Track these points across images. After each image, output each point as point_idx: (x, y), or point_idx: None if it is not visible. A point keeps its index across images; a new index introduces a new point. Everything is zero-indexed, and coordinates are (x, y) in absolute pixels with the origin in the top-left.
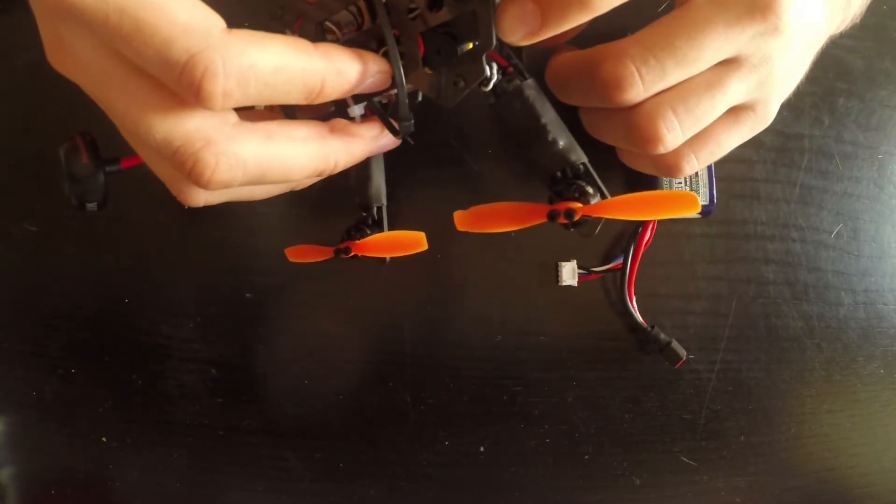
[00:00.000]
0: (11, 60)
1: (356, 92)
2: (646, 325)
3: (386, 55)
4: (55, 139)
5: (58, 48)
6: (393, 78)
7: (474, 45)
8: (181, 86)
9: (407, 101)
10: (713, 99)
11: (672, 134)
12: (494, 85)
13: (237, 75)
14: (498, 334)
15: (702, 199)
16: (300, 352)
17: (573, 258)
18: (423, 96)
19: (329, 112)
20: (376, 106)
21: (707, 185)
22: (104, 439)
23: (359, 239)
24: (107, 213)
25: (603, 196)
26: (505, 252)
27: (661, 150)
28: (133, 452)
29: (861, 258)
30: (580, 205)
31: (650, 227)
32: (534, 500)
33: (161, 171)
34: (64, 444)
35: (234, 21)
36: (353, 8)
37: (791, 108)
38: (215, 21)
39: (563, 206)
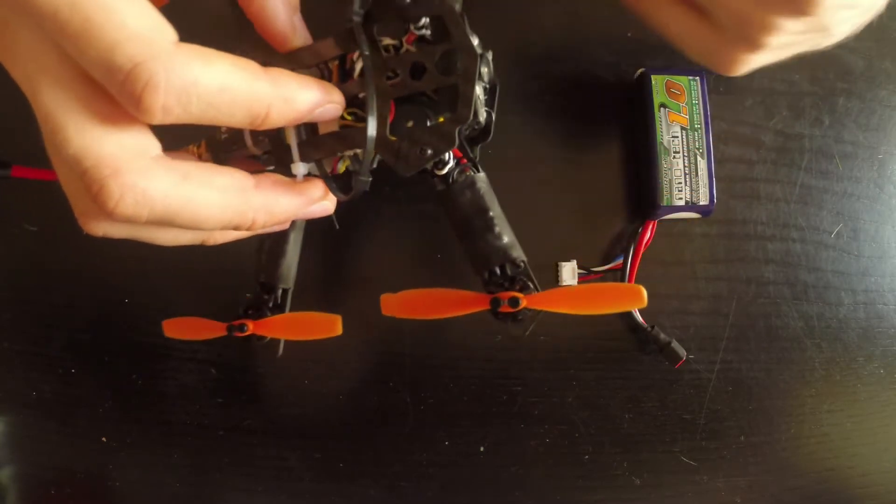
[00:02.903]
0: None
1: (307, 120)
2: (646, 325)
3: (352, 115)
4: None
5: (1, 34)
6: (363, 134)
7: (447, 118)
8: (122, 94)
9: (371, 159)
10: None
11: None
12: (448, 172)
13: (179, 91)
14: (498, 334)
15: (702, 200)
16: (300, 352)
17: (573, 258)
18: (379, 163)
19: (269, 168)
20: (322, 168)
21: (707, 185)
22: (104, 439)
23: (256, 319)
24: None
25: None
26: None
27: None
28: (133, 452)
29: (861, 258)
30: (523, 295)
31: (650, 227)
32: (534, 500)
33: (69, 187)
34: (64, 444)
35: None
36: (323, 67)
37: (791, 108)
38: (165, 32)
39: (507, 294)
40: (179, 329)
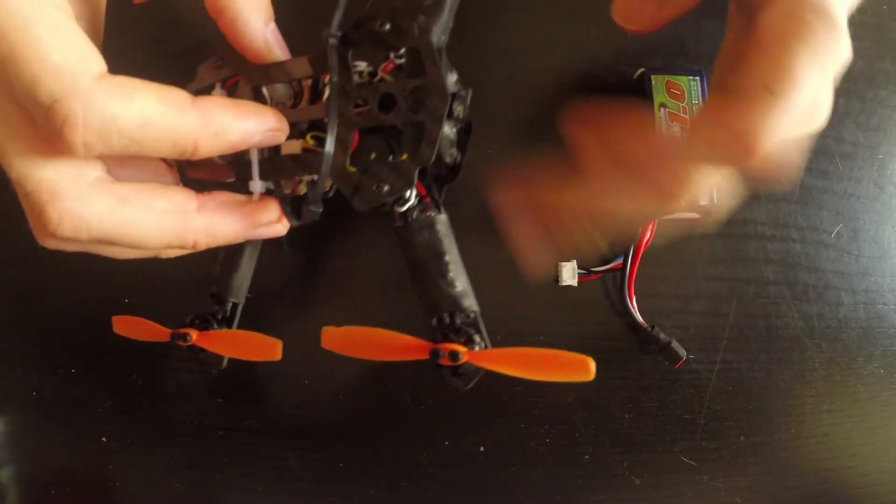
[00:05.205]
0: None
1: (245, 147)
2: (646, 325)
3: (315, 140)
4: None
5: None
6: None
7: (409, 156)
8: (45, 128)
9: (324, 188)
10: None
11: None
12: (408, 209)
13: (98, 127)
14: (498, 334)
15: (702, 200)
16: (300, 352)
17: (573, 258)
18: (336, 192)
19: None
20: (281, 190)
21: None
22: (104, 439)
23: (202, 330)
24: None
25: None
26: (505, 252)
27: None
28: (133, 452)
29: (861, 258)
30: (465, 349)
31: (650, 227)
32: (534, 500)
33: (22, 203)
34: (64, 444)
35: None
36: (296, 85)
37: None
38: (89, 65)
39: (448, 346)
40: (128, 328)
